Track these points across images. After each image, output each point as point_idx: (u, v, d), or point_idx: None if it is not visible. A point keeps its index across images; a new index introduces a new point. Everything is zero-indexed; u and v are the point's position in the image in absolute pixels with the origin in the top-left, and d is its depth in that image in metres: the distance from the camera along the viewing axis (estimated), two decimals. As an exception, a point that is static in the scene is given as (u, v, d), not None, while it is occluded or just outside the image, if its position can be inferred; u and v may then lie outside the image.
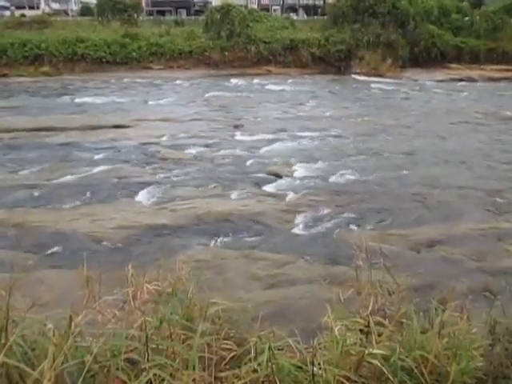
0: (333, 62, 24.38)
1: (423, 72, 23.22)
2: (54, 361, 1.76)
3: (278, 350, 2.16)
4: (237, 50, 24.24)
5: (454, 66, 24.55)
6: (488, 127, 12.19)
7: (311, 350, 2.08)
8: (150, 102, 15.50)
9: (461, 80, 21.94)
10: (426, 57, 24.76)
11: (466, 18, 27.39)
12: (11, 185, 7.39)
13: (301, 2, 49.11)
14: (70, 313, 2.02)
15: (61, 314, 2.07)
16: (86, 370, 1.86)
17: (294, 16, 37.72)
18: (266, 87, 19.46)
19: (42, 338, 1.95)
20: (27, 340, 1.91)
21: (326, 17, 29.72)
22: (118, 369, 1.93)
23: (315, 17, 37.58)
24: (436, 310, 2.34)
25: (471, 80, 22.07)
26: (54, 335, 1.93)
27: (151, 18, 37.97)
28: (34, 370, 1.78)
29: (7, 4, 41.46)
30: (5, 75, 20.95)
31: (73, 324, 1.97)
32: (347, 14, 25.46)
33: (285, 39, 24.52)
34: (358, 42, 24.22)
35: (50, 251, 5.16)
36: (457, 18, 27.32)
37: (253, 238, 5.60)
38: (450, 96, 17.83)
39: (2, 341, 1.82)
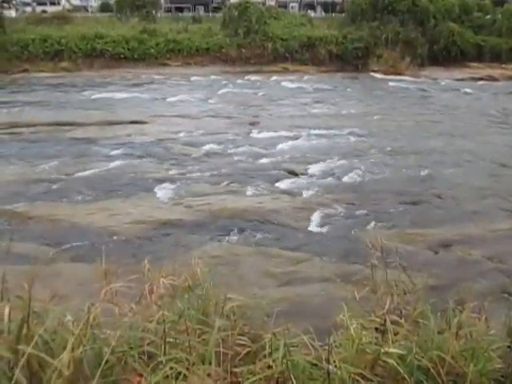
0: (350, 59, 24.18)
1: (442, 71, 22.90)
2: (73, 351, 1.79)
3: (293, 346, 2.16)
4: (254, 47, 24.22)
5: (474, 64, 24.14)
6: (509, 127, 11.98)
7: (326, 347, 2.08)
8: (167, 99, 15.58)
9: (481, 79, 21.57)
10: (445, 55, 24.40)
11: (488, 16, 26.92)
12: (31, 178, 7.52)
13: (319, -1, 48.73)
14: (89, 305, 2.05)
15: (79, 306, 2.10)
16: (104, 360, 1.89)
17: (311, 13, 37.50)
18: (283, 84, 19.41)
19: (62, 328, 1.99)
20: (47, 330, 1.94)
21: (344, 14, 29.49)
22: (134, 361, 1.96)
23: (333, 14, 37.26)
24: (453, 310, 2.32)
25: (492, 79, 21.69)
26: (73, 326, 1.96)
27: (169, 14, 38.13)
28: (53, 359, 1.81)
29: (29, 0, 42.02)
30: (26, 70, 21.26)
31: (91, 316, 2.01)
32: (366, 11, 25.22)
33: (302, 36, 24.41)
34: (376, 40, 23.97)
35: (68, 244, 5.24)
36: (478, 16, 26.86)
37: (268, 235, 5.61)
38: (469, 95, 17.56)
39: (24, 331, 1.86)
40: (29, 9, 36.94)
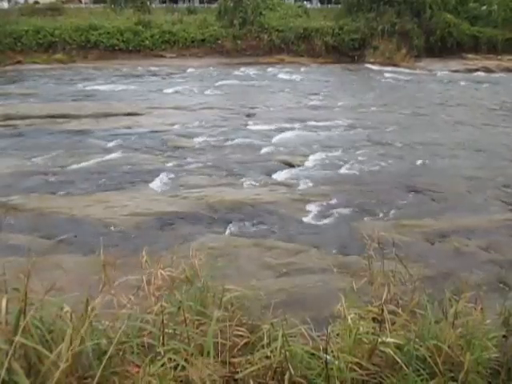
0: (346, 51, 24.11)
1: (438, 62, 22.87)
2: (71, 343, 1.79)
3: (291, 337, 2.17)
4: (249, 38, 24.09)
5: (470, 56, 24.11)
6: (504, 118, 12.00)
7: (324, 337, 2.09)
8: (163, 91, 15.51)
9: (477, 70, 21.55)
10: (441, 46, 24.36)
11: (484, 7, 26.85)
12: (26, 171, 7.48)
13: (315, -11, 48.37)
14: (87, 296, 2.05)
15: (78, 298, 2.10)
16: (102, 352, 1.89)
17: (307, 4, 37.25)
18: (279, 76, 19.34)
19: (60, 320, 1.99)
20: (45, 322, 1.94)
21: (340, 5, 29.33)
22: (133, 352, 1.96)
23: (329, 5, 37.06)
24: (450, 300, 2.33)
25: (488, 70, 21.67)
26: (71, 318, 1.96)
27: (164, 5, 37.81)
28: (51, 351, 1.81)
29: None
30: (19, 62, 21.10)
31: (89, 307, 2.00)
32: (362, 2, 25.08)
33: (298, 28, 24.29)
34: (372, 31, 23.86)
35: (65, 237, 5.22)
36: (474, 6, 26.80)
37: (265, 227, 5.62)
38: (465, 86, 17.56)
39: (21, 323, 1.85)
40: (21, 0, 36.50)
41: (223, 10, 25.38)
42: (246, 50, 23.96)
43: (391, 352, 1.98)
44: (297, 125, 10.88)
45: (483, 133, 10.46)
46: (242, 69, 20.88)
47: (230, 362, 2.08)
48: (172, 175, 7.39)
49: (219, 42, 23.93)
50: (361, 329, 2.10)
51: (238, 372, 2.04)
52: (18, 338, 1.73)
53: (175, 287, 2.42)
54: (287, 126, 10.78)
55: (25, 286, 1.93)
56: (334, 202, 6.40)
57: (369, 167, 7.93)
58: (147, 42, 23.30)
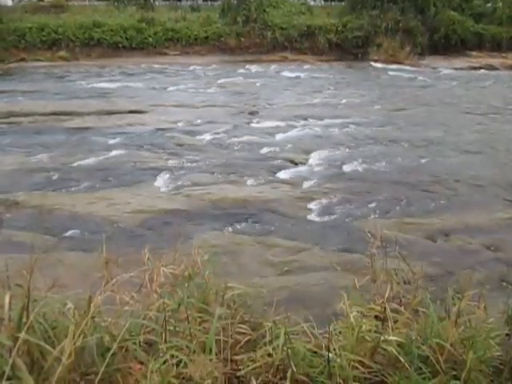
0: (350, 48, 24.03)
1: (442, 59, 22.78)
2: (74, 339, 1.80)
3: (293, 334, 2.17)
4: (253, 36, 24.03)
5: (474, 53, 24.01)
6: (508, 117, 11.94)
7: (326, 335, 2.09)
8: (166, 88, 15.51)
9: (481, 68, 21.45)
10: (445, 44, 24.25)
11: (489, 5, 26.72)
12: (29, 168, 7.50)
13: (318, -13, 48.14)
14: (90, 293, 2.06)
15: (80, 295, 2.11)
16: (104, 349, 1.90)
17: (311, 1, 37.13)
18: (282, 74, 19.31)
19: (63, 317, 2.00)
20: (48, 319, 1.95)
21: (343, 2, 29.24)
22: (135, 349, 1.97)
23: (333, 2, 36.94)
24: (452, 298, 2.33)
25: (492, 68, 21.58)
26: (73, 315, 1.97)
27: (167, 3, 37.75)
28: (54, 348, 1.82)
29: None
30: (23, 60, 21.12)
31: (92, 304, 2.01)
32: (366, -1, 25.01)
33: (301, 25, 24.21)
34: (376, 29, 23.75)
35: (67, 234, 5.24)
36: (479, 4, 26.66)
37: (267, 225, 5.61)
38: (469, 84, 17.48)
39: (24, 319, 1.86)
40: (25, -3, 36.46)
41: (226, 8, 25.32)
42: (250, 47, 23.92)
43: (393, 350, 1.98)
44: (300, 122, 10.86)
45: (489, 131, 10.41)
46: (246, 66, 20.86)
47: (231, 360, 2.09)
48: (175, 173, 7.40)
49: (222, 39, 23.90)
50: (363, 327, 2.09)
51: (239, 369, 2.05)
52: (21, 335, 1.74)
53: (177, 284, 2.42)
54: (291, 123, 10.77)
55: (28, 282, 1.94)
56: (337, 199, 6.39)
57: (373, 165, 7.92)
58: (150, 39, 23.29)
